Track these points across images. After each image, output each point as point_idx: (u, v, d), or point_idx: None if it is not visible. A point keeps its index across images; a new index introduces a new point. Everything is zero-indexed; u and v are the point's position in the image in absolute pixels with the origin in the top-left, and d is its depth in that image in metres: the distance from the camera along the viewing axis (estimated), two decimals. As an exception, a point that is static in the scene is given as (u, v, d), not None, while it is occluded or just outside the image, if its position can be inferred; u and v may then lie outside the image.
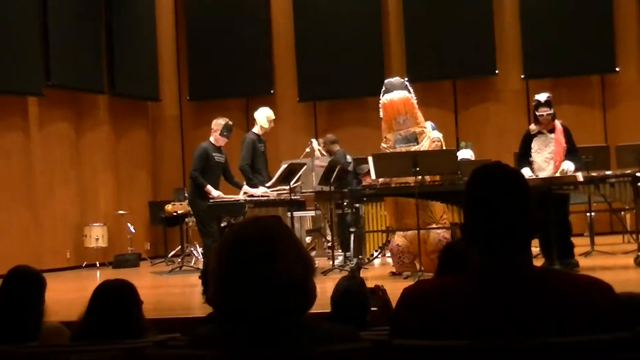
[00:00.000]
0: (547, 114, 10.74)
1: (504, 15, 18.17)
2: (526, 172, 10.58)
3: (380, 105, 11.58)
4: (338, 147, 14.33)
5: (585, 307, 2.61)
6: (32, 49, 15.68)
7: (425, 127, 11.56)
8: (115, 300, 4.42)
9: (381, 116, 11.64)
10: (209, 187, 12.39)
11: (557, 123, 10.88)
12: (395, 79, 11.88)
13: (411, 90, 11.55)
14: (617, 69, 17.57)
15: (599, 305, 2.63)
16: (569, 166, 10.58)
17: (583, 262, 11.00)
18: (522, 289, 2.66)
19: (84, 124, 17.33)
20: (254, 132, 13.22)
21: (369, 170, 13.35)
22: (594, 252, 12.42)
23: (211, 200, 12.24)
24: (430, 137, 11.62)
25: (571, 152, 10.78)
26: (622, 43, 17.61)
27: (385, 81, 11.89)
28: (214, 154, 12.65)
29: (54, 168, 16.49)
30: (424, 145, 11.34)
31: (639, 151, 11.49)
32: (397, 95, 11.40)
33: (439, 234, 11.03)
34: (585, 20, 17.34)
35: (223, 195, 12.47)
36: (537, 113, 10.83)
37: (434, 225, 11.15)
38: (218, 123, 12.80)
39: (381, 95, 11.63)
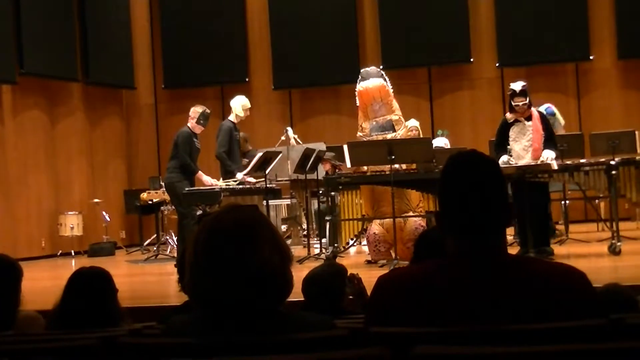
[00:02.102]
0: (523, 104, 10.74)
1: (479, 3, 18.19)
2: (504, 159, 10.60)
3: (356, 93, 11.61)
4: (250, 146, 14.51)
5: (559, 294, 2.63)
6: (5, 36, 15.57)
7: (400, 115, 11.58)
8: (91, 289, 4.41)
9: (357, 104, 11.67)
10: (200, 173, 12.43)
11: (534, 110, 10.91)
12: (372, 68, 11.93)
13: (387, 79, 11.60)
14: (592, 57, 17.64)
15: (572, 292, 2.65)
16: (549, 154, 10.60)
17: (557, 249, 11.05)
18: (496, 276, 2.68)
19: (57, 112, 17.23)
20: (230, 120, 13.17)
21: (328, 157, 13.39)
22: (568, 239, 12.49)
23: (187, 189, 12.19)
24: (408, 125, 11.66)
25: (550, 139, 10.80)
26: (596, 31, 17.68)
27: (362, 70, 11.95)
28: (194, 140, 12.64)
29: (27, 156, 16.40)
30: (400, 133, 11.38)
31: (612, 139, 11.57)
32: (373, 82, 11.44)
33: (416, 222, 11.06)
34: (560, 8, 17.39)
35: (216, 182, 12.48)
36: (512, 103, 10.83)
37: (411, 213, 11.18)
38: (196, 111, 12.74)
39: (357, 84, 11.67)
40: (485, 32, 18.14)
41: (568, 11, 17.42)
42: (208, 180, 12.48)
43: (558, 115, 13.33)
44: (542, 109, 13.09)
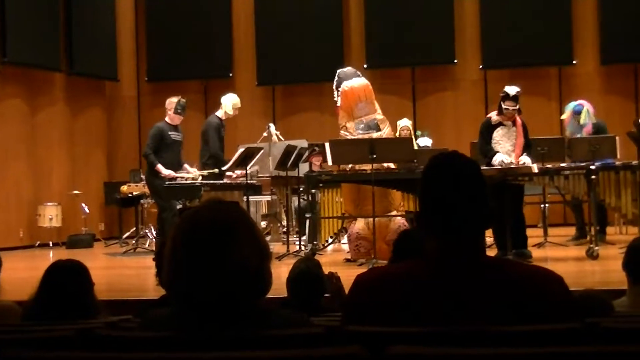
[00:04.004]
0: (513, 109, 10.78)
1: (464, 5, 18.23)
2: (503, 158, 10.63)
3: (337, 93, 11.61)
4: None
5: (535, 297, 2.64)
6: (-11, 24, 15.53)
7: (381, 114, 11.61)
8: (66, 281, 4.40)
9: (338, 105, 11.66)
10: (159, 166, 12.33)
11: (518, 117, 10.96)
12: (348, 69, 12.03)
13: (364, 78, 11.68)
14: (575, 62, 17.71)
15: (549, 295, 2.66)
16: (526, 160, 10.66)
17: (536, 253, 11.10)
18: (474, 277, 2.69)
19: (39, 102, 17.16)
20: (217, 116, 13.12)
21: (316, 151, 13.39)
22: (547, 243, 12.53)
23: (167, 182, 12.16)
24: (400, 125, 11.69)
25: (527, 146, 10.89)
26: (579, 35, 17.76)
27: (338, 71, 11.96)
28: (170, 133, 12.56)
29: (8, 145, 16.32)
30: (385, 132, 11.40)
31: (593, 144, 11.59)
32: (358, 82, 11.49)
33: (400, 221, 11.08)
34: (544, 12, 17.46)
35: (174, 174, 12.39)
36: (503, 105, 10.83)
37: (394, 212, 11.19)
38: (171, 102, 12.70)
39: (334, 84, 11.71)
40: (469, 34, 18.18)
41: (552, 15, 17.50)
42: (169, 172, 12.38)
43: (584, 114, 13.09)
44: (573, 104, 13.02)
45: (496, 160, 10.59)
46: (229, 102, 13.11)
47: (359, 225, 11.33)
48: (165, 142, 12.49)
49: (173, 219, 11.64)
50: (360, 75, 11.74)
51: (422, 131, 16.20)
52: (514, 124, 10.88)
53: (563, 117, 13.18)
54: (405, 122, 13.73)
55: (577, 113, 12.92)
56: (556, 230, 14.39)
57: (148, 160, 12.45)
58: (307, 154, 13.50)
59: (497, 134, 10.91)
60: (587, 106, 13.00)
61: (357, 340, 2.51)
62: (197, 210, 2.73)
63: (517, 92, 10.83)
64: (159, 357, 2.51)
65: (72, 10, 17.60)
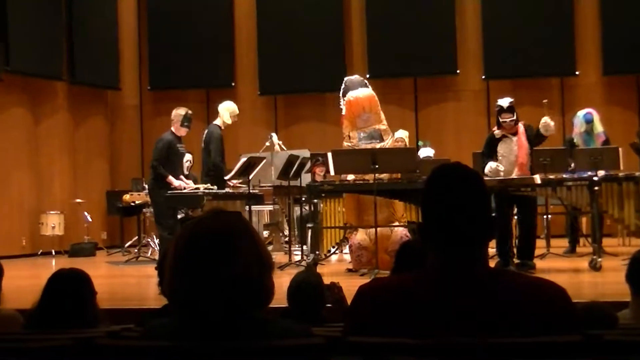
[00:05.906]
0: (510, 120, 10.79)
1: (466, 15, 18.25)
2: (493, 165, 10.63)
3: (343, 102, 11.60)
4: None
5: (538, 308, 2.63)
6: (-8, 33, 15.54)
7: (386, 125, 11.60)
8: (69, 290, 4.39)
9: (343, 113, 11.64)
10: (170, 178, 12.23)
11: (520, 125, 10.95)
12: (355, 77, 11.95)
13: (370, 88, 11.64)
14: (577, 72, 17.72)
15: (551, 307, 2.65)
16: (547, 120, 10.74)
17: (539, 264, 11.08)
18: (476, 288, 2.68)
19: (42, 111, 17.18)
20: (218, 126, 13.06)
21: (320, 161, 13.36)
22: (549, 254, 12.51)
23: (169, 192, 12.11)
24: (395, 136, 11.67)
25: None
26: (582, 46, 17.77)
27: (345, 79, 11.92)
28: (178, 145, 12.46)
29: (10, 154, 16.33)
30: (388, 143, 11.39)
31: (595, 155, 11.58)
32: (363, 92, 11.46)
33: (402, 232, 11.06)
34: (546, 23, 17.48)
35: (184, 184, 12.34)
36: (500, 119, 10.85)
37: (396, 223, 11.18)
38: (178, 114, 12.61)
39: (341, 92, 11.68)
40: (471, 44, 18.20)
41: (554, 26, 17.52)
42: (181, 184, 12.34)
43: (596, 123, 13.09)
44: (581, 114, 13.02)
45: (487, 168, 10.64)
46: (226, 112, 13.04)
47: (360, 235, 11.32)
48: (173, 155, 12.33)
49: (169, 237, 11.51)
50: (367, 84, 11.71)
51: (424, 141, 16.20)
52: (516, 134, 10.89)
53: (581, 129, 13.03)
54: (400, 134, 13.64)
55: (588, 122, 12.90)
56: (559, 241, 14.35)
57: (157, 172, 12.24)
58: (309, 164, 13.49)
59: (501, 147, 10.92)
60: (595, 114, 13.02)
61: (358, 350, 2.50)
62: (199, 220, 2.72)
63: (511, 102, 10.85)
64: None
65: (74, 19, 17.62)
